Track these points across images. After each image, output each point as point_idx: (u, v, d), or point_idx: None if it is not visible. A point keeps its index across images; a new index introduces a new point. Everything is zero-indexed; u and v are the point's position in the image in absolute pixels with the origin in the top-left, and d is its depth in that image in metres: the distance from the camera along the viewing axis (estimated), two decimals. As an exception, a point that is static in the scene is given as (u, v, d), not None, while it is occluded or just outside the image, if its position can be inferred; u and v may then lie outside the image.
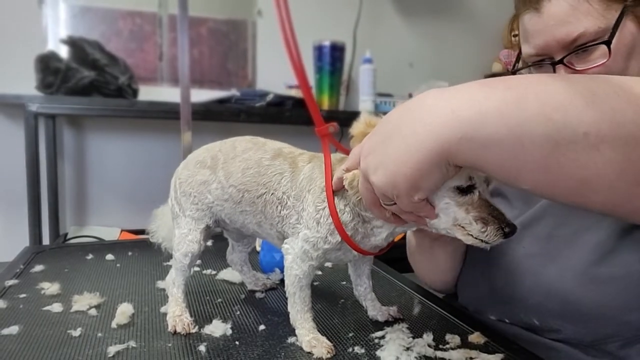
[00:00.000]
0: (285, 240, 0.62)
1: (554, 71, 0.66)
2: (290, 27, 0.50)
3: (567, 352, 0.65)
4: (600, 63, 0.62)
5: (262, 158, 0.64)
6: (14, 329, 0.63)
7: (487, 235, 0.50)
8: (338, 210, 0.57)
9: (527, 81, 0.43)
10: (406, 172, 0.45)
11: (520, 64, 0.73)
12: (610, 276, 0.60)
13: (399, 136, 0.46)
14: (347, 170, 0.55)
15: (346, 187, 0.54)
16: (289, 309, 0.62)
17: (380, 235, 0.59)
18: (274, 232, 0.65)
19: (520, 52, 0.71)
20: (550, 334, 0.66)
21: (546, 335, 0.67)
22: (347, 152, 0.57)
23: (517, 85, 0.42)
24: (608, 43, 0.60)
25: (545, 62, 0.67)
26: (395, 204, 0.49)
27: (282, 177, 0.62)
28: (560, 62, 0.64)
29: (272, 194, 0.62)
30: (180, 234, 0.70)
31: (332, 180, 0.57)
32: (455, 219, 0.51)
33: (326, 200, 0.57)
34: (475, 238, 0.51)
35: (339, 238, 0.58)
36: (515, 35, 0.74)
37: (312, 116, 0.55)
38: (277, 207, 0.62)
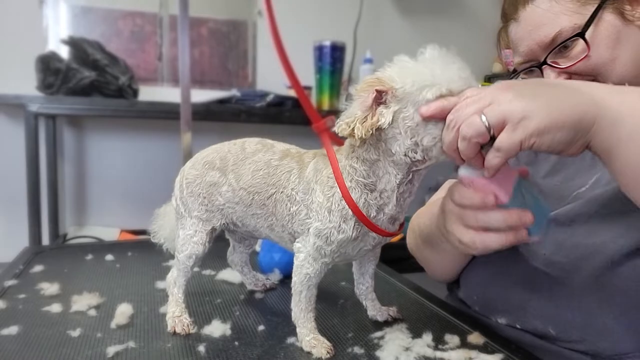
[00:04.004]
0: (297, 240, 0.62)
1: (542, 74, 0.68)
2: (275, 29, 0.51)
3: None
4: (583, 57, 0.64)
5: (271, 159, 0.64)
6: (13, 329, 0.63)
7: None
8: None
9: None
10: (565, 120, 0.46)
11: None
12: None
13: (556, 92, 0.48)
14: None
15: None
16: (293, 306, 0.62)
17: (392, 199, 0.57)
18: (286, 234, 0.64)
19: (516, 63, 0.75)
20: (565, 344, 0.64)
21: (560, 345, 0.64)
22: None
23: None
24: (582, 35, 0.63)
25: (534, 67, 0.69)
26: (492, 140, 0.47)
27: (291, 175, 0.62)
28: (544, 63, 0.67)
29: (281, 192, 0.62)
30: (185, 234, 0.69)
31: (339, 167, 0.57)
32: None
33: (334, 186, 0.57)
34: None
35: (352, 224, 0.57)
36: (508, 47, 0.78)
37: (307, 113, 0.55)
38: (286, 204, 0.62)
